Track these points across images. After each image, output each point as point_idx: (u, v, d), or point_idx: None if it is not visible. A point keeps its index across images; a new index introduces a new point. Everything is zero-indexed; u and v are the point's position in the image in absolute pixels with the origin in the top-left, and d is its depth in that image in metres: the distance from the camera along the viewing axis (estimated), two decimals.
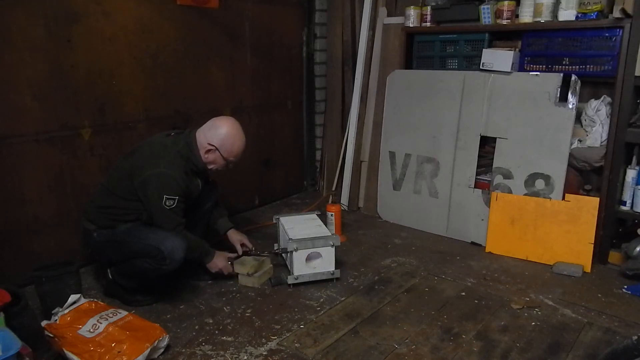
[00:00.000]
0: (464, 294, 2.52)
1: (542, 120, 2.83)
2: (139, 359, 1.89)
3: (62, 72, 2.53)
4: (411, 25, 3.36)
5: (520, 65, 2.97)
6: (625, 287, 2.55)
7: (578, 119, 2.87)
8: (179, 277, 2.61)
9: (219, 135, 2.36)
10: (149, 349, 1.92)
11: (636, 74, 2.55)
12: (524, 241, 2.90)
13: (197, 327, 2.23)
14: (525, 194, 2.90)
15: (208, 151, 2.37)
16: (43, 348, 1.85)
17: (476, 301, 2.45)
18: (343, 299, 2.47)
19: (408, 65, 3.46)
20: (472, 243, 3.13)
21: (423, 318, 2.29)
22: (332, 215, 3.14)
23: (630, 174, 2.69)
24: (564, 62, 2.83)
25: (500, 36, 3.10)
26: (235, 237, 2.75)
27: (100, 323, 1.96)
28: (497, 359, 2.00)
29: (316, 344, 2.09)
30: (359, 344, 2.09)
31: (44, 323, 2.00)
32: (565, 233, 2.77)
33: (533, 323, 2.25)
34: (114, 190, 2.34)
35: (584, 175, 2.90)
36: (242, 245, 2.73)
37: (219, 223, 2.76)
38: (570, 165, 2.82)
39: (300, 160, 4.19)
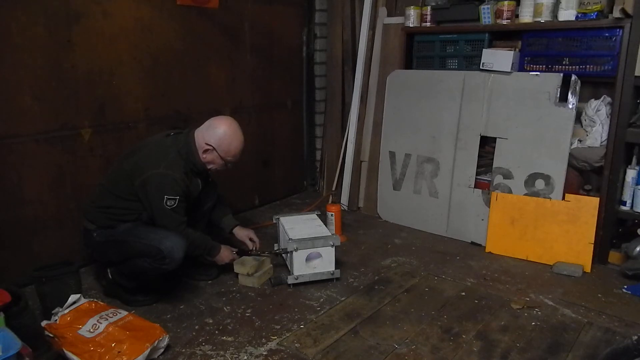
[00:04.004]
0: (464, 294, 2.52)
1: (542, 120, 2.83)
2: (139, 359, 1.89)
3: (62, 72, 2.53)
4: (411, 25, 3.36)
5: (520, 65, 2.97)
6: (625, 287, 2.55)
7: (578, 119, 2.88)
8: (179, 277, 2.61)
9: (216, 135, 2.36)
10: (149, 349, 1.92)
11: (636, 74, 2.55)
12: (524, 241, 2.90)
13: (197, 327, 2.23)
14: (525, 194, 2.90)
15: (206, 151, 2.37)
16: (43, 348, 1.84)
17: (476, 301, 2.45)
18: (343, 299, 2.47)
19: (408, 65, 3.46)
20: (472, 243, 3.13)
21: (423, 318, 2.29)
22: (332, 215, 3.14)
23: (630, 174, 2.69)
24: (564, 62, 2.83)
25: (500, 36, 3.10)
26: (243, 233, 2.75)
27: (100, 323, 1.97)
28: (497, 359, 2.00)
29: (316, 344, 2.09)
30: (359, 344, 2.09)
31: (44, 323, 2.00)
32: (565, 233, 2.77)
33: (533, 323, 2.25)
34: (113, 191, 2.34)
35: (584, 175, 2.90)
36: (251, 240, 2.73)
37: (224, 221, 2.76)
38: (570, 165, 2.82)
39: (300, 160, 4.19)
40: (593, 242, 2.71)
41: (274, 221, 2.95)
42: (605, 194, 2.72)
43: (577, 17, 2.71)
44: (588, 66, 2.75)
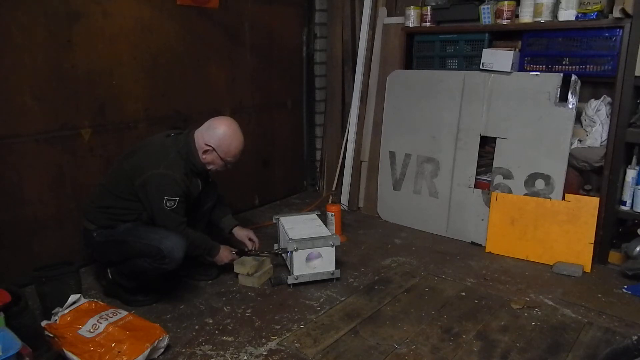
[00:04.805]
0: (464, 294, 2.52)
1: (542, 120, 2.83)
2: (139, 359, 1.89)
3: (62, 72, 2.54)
4: (411, 25, 3.36)
5: (520, 65, 2.97)
6: (625, 287, 2.55)
7: (578, 119, 2.88)
8: (179, 277, 2.62)
9: (216, 135, 2.36)
10: (149, 349, 1.92)
11: (636, 74, 2.55)
12: (524, 241, 2.90)
13: (197, 327, 2.23)
14: (525, 194, 2.90)
15: (205, 152, 2.37)
16: (43, 348, 1.84)
17: (476, 301, 2.45)
18: (343, 299, 2.47)
19: (408, 65, 3.46)
20: (472, 243, 3.13)
21: (423, 318, 2.29)
22: (332, 215, 3.14)
23: (630, 174, 2.69)
24: (564, 62, 2.83)
25: (500, 36, 3.10)
26: (242, 233, 2.75)
27: (100, 323, 1.97)
28: (497, 359, 2.00)
29: (316, 344, 2.09)
30: (359, 344, 2.09)
31: (44, 323, 2.00)
32: (565, 233, 2.77)
33: (533, 323, 2.25)
34: (113, 191, 2.34)
35: (584, 175, 2.90)
36: (250, 240, 2.73)
37: (223, 221, 2.76)
38: (570, 165, 2.82)
39: (300, 160, 4.19)
40: (593, 242, 2.71)
41: (274, 221, 2.95)
42: (605, 194, 2.72)
43: (577, 17, 2.71)
44: (588, 66, 2.75)
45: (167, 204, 2.27)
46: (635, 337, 1.55)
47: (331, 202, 3.34)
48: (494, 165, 3.02)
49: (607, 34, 2.65)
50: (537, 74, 2.85)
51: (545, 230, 2.83)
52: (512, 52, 2.93)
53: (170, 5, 2.95)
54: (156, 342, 1.96)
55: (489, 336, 2.15)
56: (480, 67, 3.01)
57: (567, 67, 2.82)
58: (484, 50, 3.01)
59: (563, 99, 2.76)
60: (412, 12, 3.33)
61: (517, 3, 2.95)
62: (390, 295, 2.51)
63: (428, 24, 3.31)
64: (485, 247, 3.04)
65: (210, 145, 2.36)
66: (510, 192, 2.96)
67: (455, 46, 3.22)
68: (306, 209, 3.70)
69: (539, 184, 2.86)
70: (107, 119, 2.76)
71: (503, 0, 2.93)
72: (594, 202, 2.71)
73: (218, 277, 2.67)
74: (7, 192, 2.43)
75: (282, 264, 2.79)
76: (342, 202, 3.77)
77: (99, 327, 1.95)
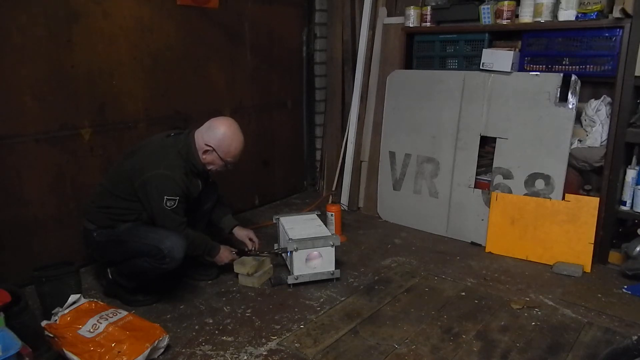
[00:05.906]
0: (464, 294, 2.52)
1: (542, 120, 2.83)
2: (139, 359, 1.89)
3: (62, 72, 2.54)
4: (411, 25, 3.36)
5: (520, 65, 2.97)
6: (625, 287, 2.55)
7: (578, 119, 2.88)
8: (179, 277, 2.62)
9: (216, 136, 2.36)
10: (149, 349, 1.92)
11: (636, 74, 2.55)
12: (524, 241, 2.90)
13: (197, 327, 2.23)
14: (525, 194, 2.90)
15: (206, 152, 2.37)
16: (43, 348, 1.85)
17: (476, 301, 2.45)
18: (343, 299, 2.47)
19: (408, 65, 3.46)
20: (472, 243, 3.13)
21: (423, 318, 2.29)
22: (332, 215, 3.14)
23: (630, 174, 2.69)
24: (564, 62, 2.83)
25: (500, 36, 3.10)
26: (242, 233, 2.75)
27: (100, 323, 1.97)
28: (497, 359, 2.00)
29: (316, 344, 2.09)
30: (359, 344, 2.09)
31: (44, 323, 2.00)
32: (565, 233, 2.77)
33: (533, 323, 2.25)
34: (113, 191, 2.34)
35: (584, 175, 2.90)
36: (250, 240, 2.73)
37: (223, 221, 2.76)
38: (570, 165, 2.82)
39: (300, 160, 4.19)
40: (593, 242, 2.71)
41: (274, 221, 2.95)
42: (605, 194, 2.72)
43: (577, 17, 2.71)
44: (588, 66, 2.75)
45: (167, 204, 2.27)
46: (635, 337, 1.55)
47: (331, 202, 3.34)
48: (494, 165, 3.02)
49: (607, 34, 2.65)
50: (537, 74, 2.85)
51: (545, 230, 2.83)
52: (512, 52, 2.93)
53: (170, 5, 2.95)
54: (156, 342, 1.96)
55: (489, 336, 2.15)
56: (480, 67, 3.01)
57: (567, 67, 2.82)
58: (484, 50, 3.01)
59: (563, 99, 2.75)
60: (412, 12, 3.33)
61: (517, 3, 2.94)
62: (390, 295, 2.51)
63: (428, 24, 3.31)
64: (485, 247, 3.04)
65: (210, 146, 2.36)
66: (510, 192, 2.96)
67: (455, 46, 3.22)
68: (306, 209, 3.70)
69: (539, 184, 2.86)
70: (107, 119, 2.76)
71: (503, 0, 2.93)
72: (594, 202, 2.71)
73: (218, 277, 2.67)
74: (7, 192, 2.43)
75: (282, 264, 2.79)
76: (342, 202, 3.77)
77: (99, 327, 1.95)
